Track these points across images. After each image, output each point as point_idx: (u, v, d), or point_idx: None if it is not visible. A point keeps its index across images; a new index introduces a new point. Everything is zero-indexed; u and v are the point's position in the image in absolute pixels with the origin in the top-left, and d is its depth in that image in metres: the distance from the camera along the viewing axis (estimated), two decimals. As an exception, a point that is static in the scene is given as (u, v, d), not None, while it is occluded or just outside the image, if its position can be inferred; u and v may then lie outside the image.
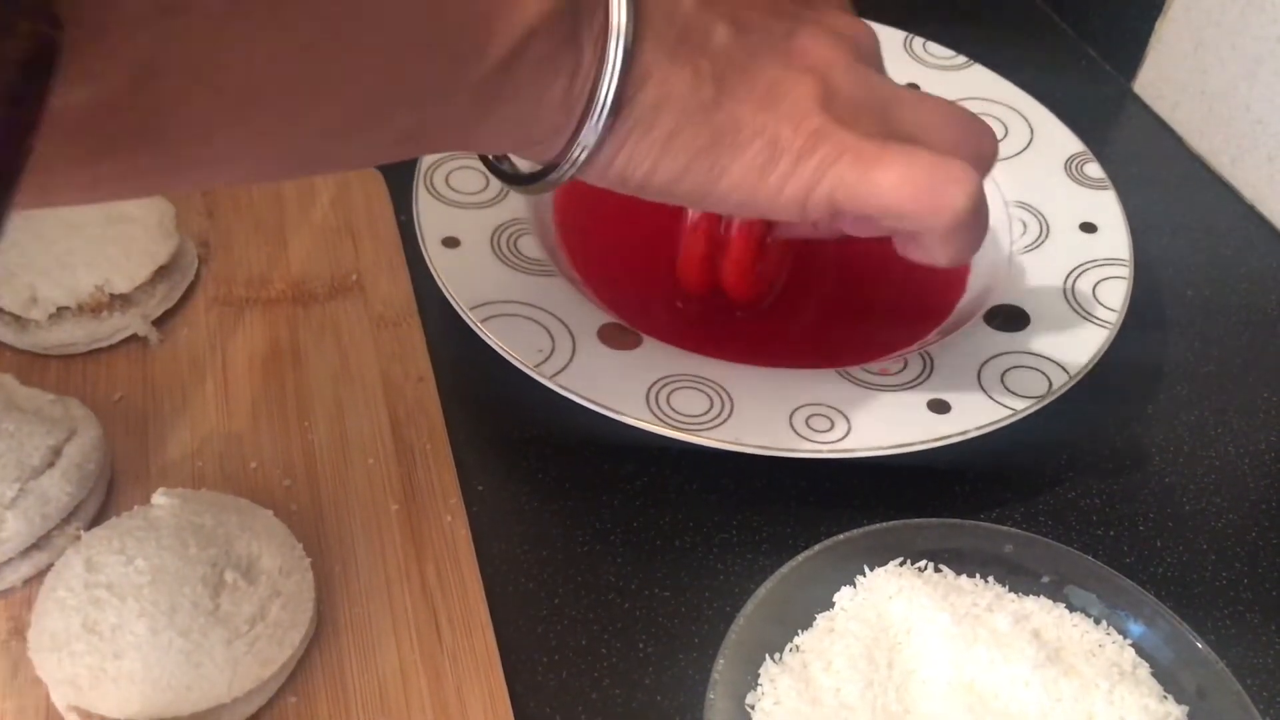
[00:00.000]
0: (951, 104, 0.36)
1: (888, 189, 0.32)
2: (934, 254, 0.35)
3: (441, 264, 0.45)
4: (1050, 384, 0.42)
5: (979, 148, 0.35)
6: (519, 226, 0.48)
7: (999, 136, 0.52)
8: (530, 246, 0.47)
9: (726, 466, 0.43)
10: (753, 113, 0.31)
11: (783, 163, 0.32)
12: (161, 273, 0.46)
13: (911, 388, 0.43)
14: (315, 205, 0.52)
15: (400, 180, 0.51)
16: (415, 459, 0.43)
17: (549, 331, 0.43)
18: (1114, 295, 0.46)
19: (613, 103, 0.30)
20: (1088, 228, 0.49)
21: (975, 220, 0.33)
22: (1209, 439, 0.47)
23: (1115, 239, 0.49)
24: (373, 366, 0.46)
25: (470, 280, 0.45)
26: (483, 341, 0.42)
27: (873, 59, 0.35)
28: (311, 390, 0.45)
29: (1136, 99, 0.65)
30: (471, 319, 0.43)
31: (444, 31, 0.26)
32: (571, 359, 0.42)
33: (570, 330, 0.43)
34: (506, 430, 0.45)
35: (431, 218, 0.47)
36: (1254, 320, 0.53)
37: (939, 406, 0.42)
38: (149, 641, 0.33)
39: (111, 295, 0.45)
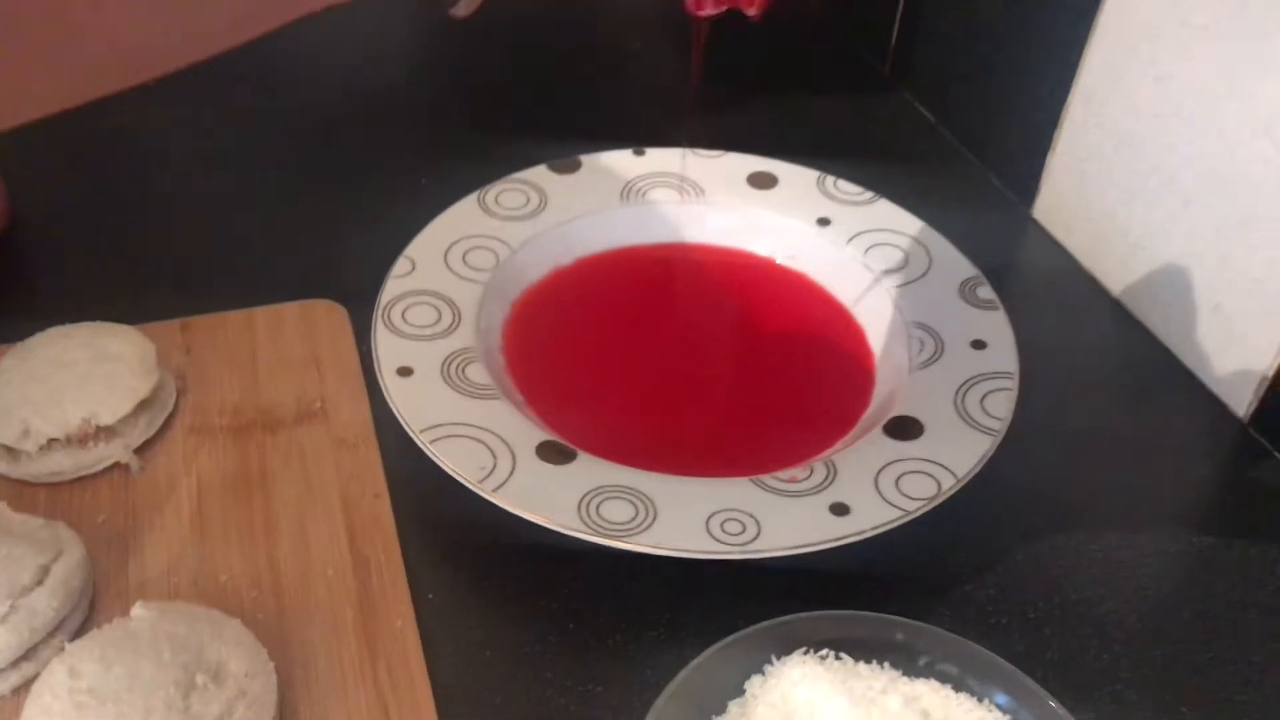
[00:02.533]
0: None
1: None
2: None
3: (396, 392, 0.50)
4: (940, 487, 0.47)
5: None
6: (468, 355, 0.53)
7: (900, 265, 0.58)
8: (477, 373, 0.53)
9: (653, 568, 0.48)
10: None
11: None
12: (143, 405, 0.51)
13: (816, 493, 0.48)
14: (283, 337, 0.58)
15: (363, 314, 0.56)
16: (370, 569, 0.47)
17: (491, 450, 0.48)
18: (1000, 406, 0.51)
19: None
20: (978, 344, 0.55)
21: None
22: (1094, 534, 0.52)
23: (1003, 355, 0.54)
24: (333, 485, 0.50)
25: (422, 405, 0.50)
26: (433, 460, 0.47)
27: None
28: (277, 509, 0.49)
29: (1036, 224, 0.71)
30: (421, 441, 0.48)
31: None
32: (511, 475, 0.47)
33: (511, 449, 0.48)
34: (455, 541, 0.50)
35: (388, 350, 0.52)
36: (1136, 433, 0.58)
37: (840, 509, 0.47)
38: (122, 738, 0.37)
39: (97, 427, 0.50)
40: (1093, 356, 0.62)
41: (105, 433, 0.50)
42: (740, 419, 0.55)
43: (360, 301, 0.57)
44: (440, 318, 0.55)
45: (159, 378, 0.52)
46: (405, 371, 0.52)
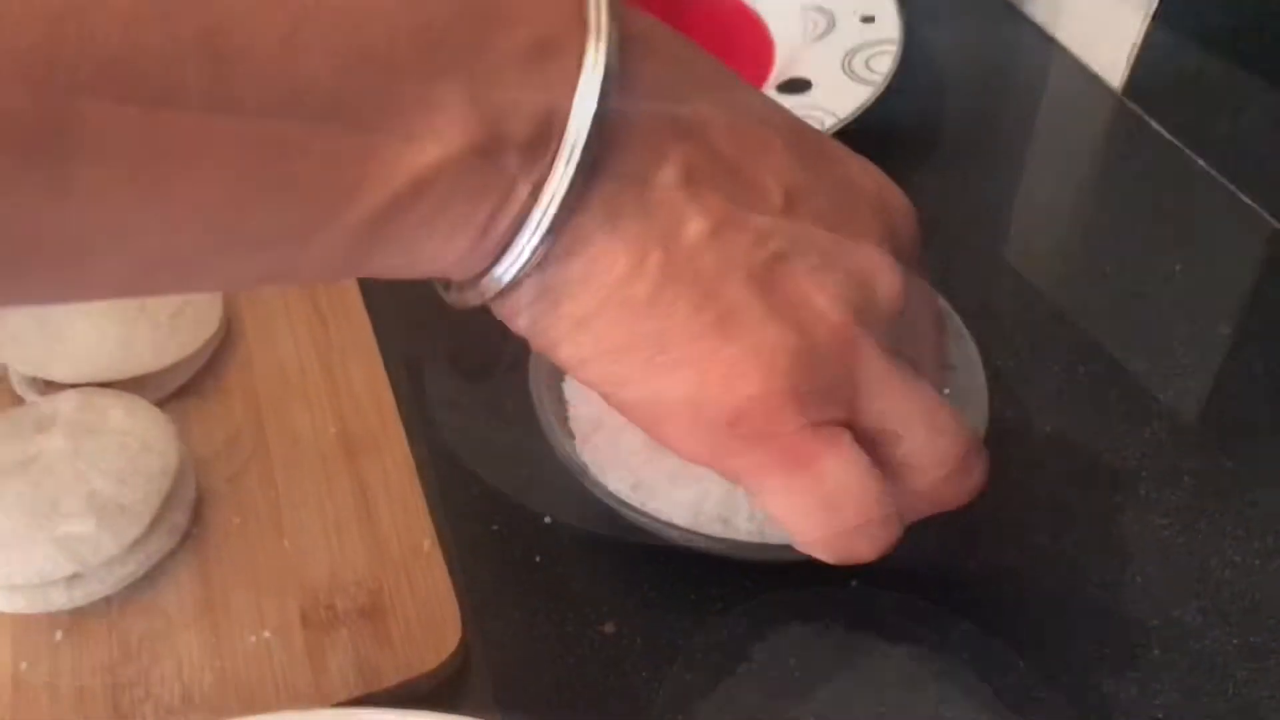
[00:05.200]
0: (950, 411, 0.29)
1: (799, 504, 0.27)
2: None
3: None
4: (823, 126, 0.52)
5: (953, 485, 0.30)
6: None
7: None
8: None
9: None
10: (688, 338, 0.25)
11: (703, 413, 0.26)
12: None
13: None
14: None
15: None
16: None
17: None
18: (883, 64, 0.56)
19: (525, 261, 0.24)
20: (867, 19, 0.59)
21: (870, 559, 0.29)
22: (975, 185, 0.57)
23: (889, 26, 0.58)
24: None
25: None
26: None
27: (879, 317, 0.27)
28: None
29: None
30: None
31: (293, 175, 0.21)
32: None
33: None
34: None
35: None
36: (1016, 109, 0.63)
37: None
38: (89, 329, 0.42)
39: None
40: (978, 45, 0.67)
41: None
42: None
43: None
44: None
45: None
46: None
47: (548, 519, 0.41)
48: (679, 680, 0.37)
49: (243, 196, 0.21)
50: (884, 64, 0.56)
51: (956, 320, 0.43)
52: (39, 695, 0.36)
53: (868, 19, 0.59)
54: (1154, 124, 0.60)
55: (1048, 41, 0.66)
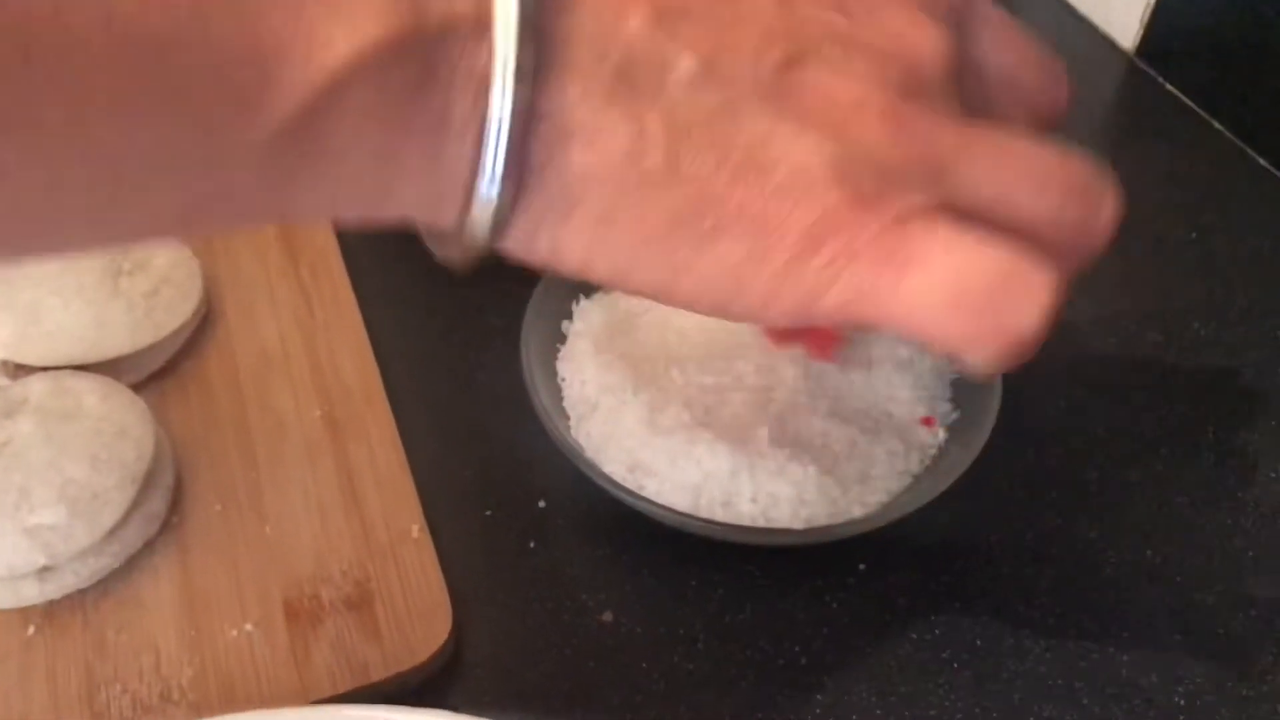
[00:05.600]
0: (1052, 151, 0.24)
1: (923, 307, 0.22)
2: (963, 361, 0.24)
3: None
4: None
5: (1084, 225, 0.24)
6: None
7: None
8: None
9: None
10: (725, 188, 0.22)
11: (771, 262, 0.22)
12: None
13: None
14: None
15: None
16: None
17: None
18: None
19: (504, 173, 0.21)
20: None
21: (1038, 343, 0.23)
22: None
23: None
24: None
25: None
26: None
27: (931, 83, 0.23)
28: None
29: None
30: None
31: (179, 86, 0.18)
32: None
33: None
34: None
35: None
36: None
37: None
38: (61, 309, 0.40)
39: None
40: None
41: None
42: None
43: None
44: None
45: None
46: None
47: (542, 503, 0.40)
48: (680, 671, 0.36)
49: (121, 119, 0.18)
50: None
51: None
52: (10, 693, 0.34)
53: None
54: (1168, 86, 0.58)
55: (1057, 1, 0.63)
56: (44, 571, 0.35)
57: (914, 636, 0.37)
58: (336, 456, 0.40)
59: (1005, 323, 0.22)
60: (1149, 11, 0.58)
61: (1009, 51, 0.26)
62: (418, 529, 0.38)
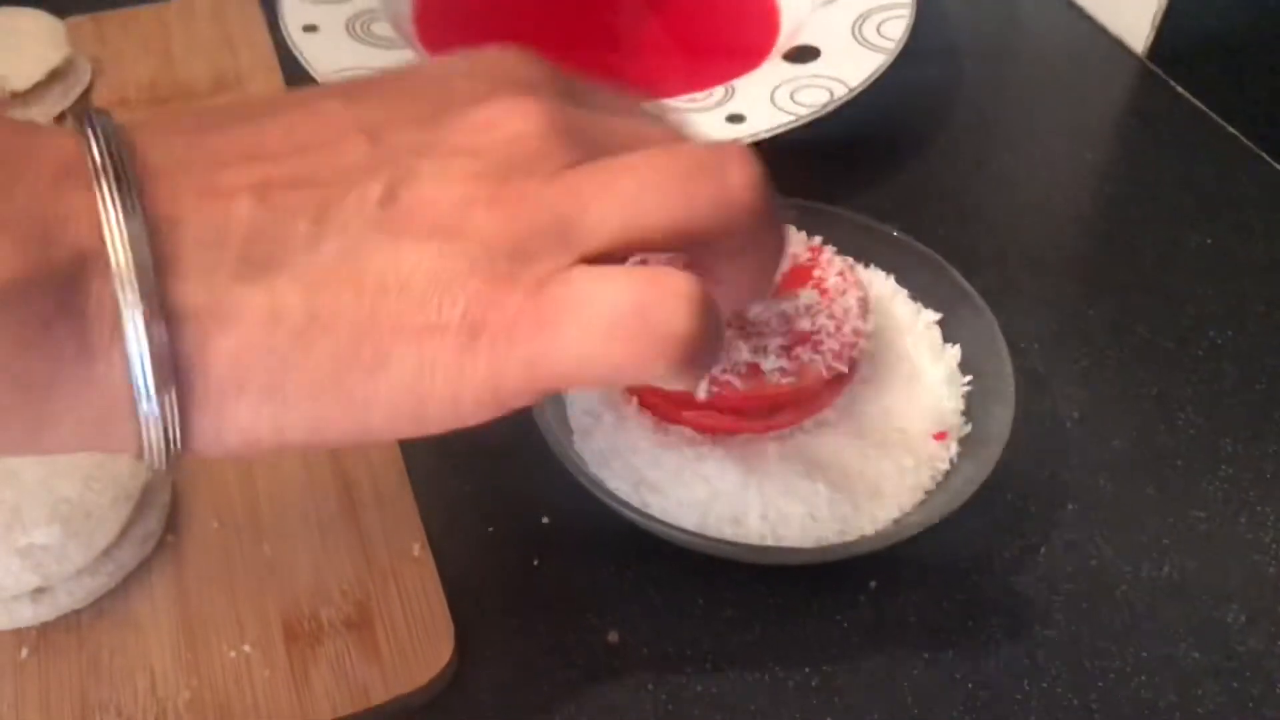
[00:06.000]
0: (658, 151, 0.25)
1: (587, 352, 0.23)
2: (668, 385, 0.25)
3: (302, 45, 0.51)
4: (832, 96, 0.49)
5: (719, 198, 0.24)
6: (372, 15, 0.54)
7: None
8: (382, 29, 0.53)
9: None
10: (370, 317, 0.23)
11: (441, 365, 0.23)
12: (56, 77, 0.52)
13: (714, 109, 0.49)
14: (196, 25, 0.58)
15: (274, 7, 0.56)
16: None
17: (398, 88, 0.50)
18: (895, 29, 0.53)
19: (158, 385, 0.22)
20: (878, -18, 0.56)
21: (706, 340, 0.23)
22: (991, 152, 0.54)
23: (901, -12, 0.55)
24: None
25: (329, 55, 0.51)
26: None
27: (531, 154, 0.24)
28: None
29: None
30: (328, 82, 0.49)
31: None
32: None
33: (417, 86, 0.50)
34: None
35: (293, 11, 0.53)
36: (1035, 73, 0.60)
37: (736, 119, 0.48)
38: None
39: (12, 93, 0.51)
40: (992, 8, 0.64)
41: (20, 100, 0.51)
42: (650, 46, 0.56)
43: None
44: (346, -15, 0.56)
45: (69, 53, 0.53)
46: (310, 29, 0.52)
47: (545, 519, 0.39)
48: (688, 692, 0.35)
49: None
50: (896, 29, 0.53)
51: (977, 299, 0.40)
52: (4, 717, 0.33)
53: (878, -18, 0.56)
54: (1180, 89, 0.57)
55: (1066, 4, 0.63)
56: (37, 593, 0.34)
57: (926, 656, 0.36)
58: (335, 473, 0.39)
59: (660, 332, 0.23)
60: (1160, 14, 0.57)
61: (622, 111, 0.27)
62: (419, 547, 0.37)
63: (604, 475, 0.36)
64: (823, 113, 0.48)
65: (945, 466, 0.37)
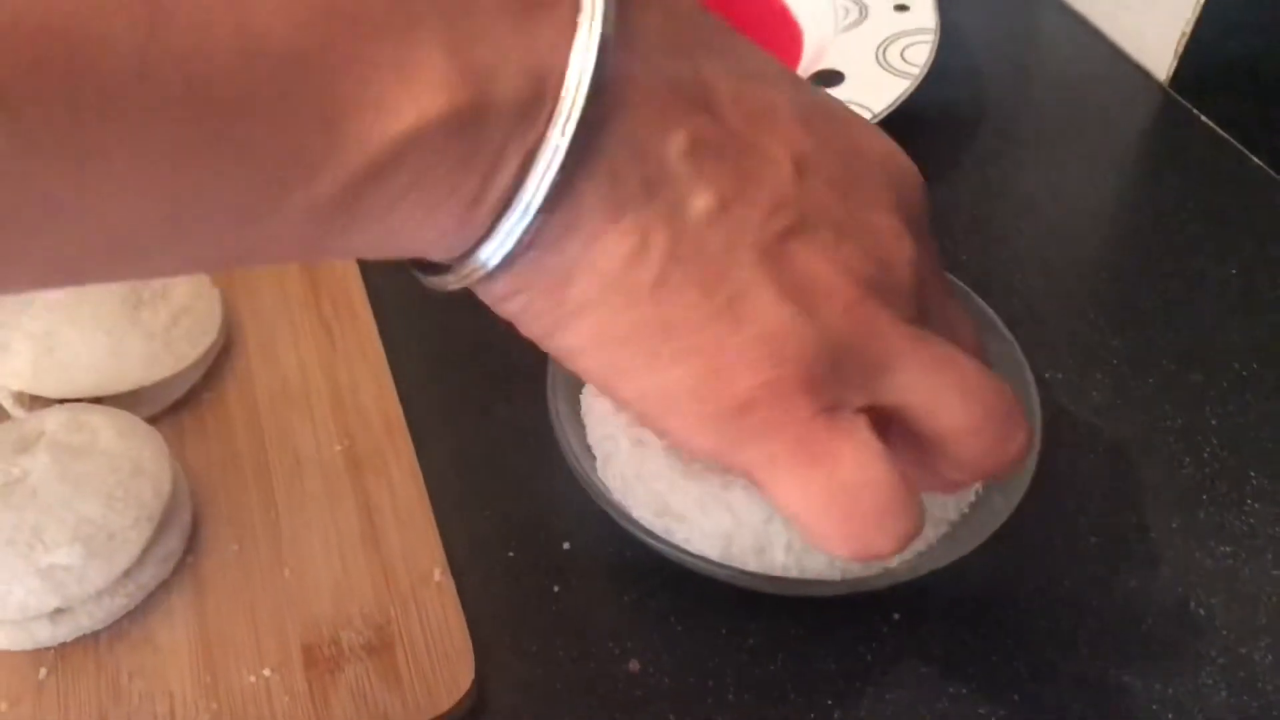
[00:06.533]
0: (985, 375, 0.26)
1: (806, 507, 0.24)
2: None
3: None
4: (857, 121, 0.49)
5: (995, 448, 0.26)
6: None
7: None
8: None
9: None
10: (695, 326, 0.23)
11: (707, 404, 0.23)
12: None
13: (737, 132, 0.49)
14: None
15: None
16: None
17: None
18: (919, 55, 0.53)
19: (513, 246, 0.22)
20: (901, 8, 0.56)
21: (908, 540, 0.25)
22: (1016, 177, 0.54)
23: (924, 14, 0.55)
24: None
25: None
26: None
27: (897, 287, 0.25)
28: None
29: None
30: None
31: (247, 147, 0.19)
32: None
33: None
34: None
35: None
36: (1058, 99, 0.60)
37: (760, 143, 0.48)
38: (78, 339, 0.40)
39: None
40: (1014, 32, 0.63)
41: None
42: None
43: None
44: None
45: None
46: None
47: (566, 545, 0.39)
48: (709, 724, 0.35)
49: (189, 171, 0.18)
50: (920, 55, 0.53)
51: (1001, 328, 0.40)
52: (22, 739, 0.33)
53: (901, 7, 0.56)
54: (1203, 118, 0.57)
55: (1090, 32, 0.62)
56: (57, 613, 0.34)
57: (950, 690, 0.36)
58: (357, 495, 0.39)
59: (870, 540, 0.24)
60: (1183, 42, 0.57)
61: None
62: (439, 572, 0.37)
63: (627, 503, 0.36)
64: (847, 138, 0.48)
65: (970, 499, 0.37)
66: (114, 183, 0.18)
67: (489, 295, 0.24)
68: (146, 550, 0.35)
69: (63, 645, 0.35)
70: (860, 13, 0.56)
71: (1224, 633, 0.37)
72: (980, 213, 0.52)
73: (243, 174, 0.19)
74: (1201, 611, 0.38)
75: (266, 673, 0.34)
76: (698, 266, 0.23)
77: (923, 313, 0.26)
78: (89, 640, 0.35)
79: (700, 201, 0.22)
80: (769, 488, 0.24)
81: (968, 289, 0.41)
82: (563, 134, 0.21)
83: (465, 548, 0.38)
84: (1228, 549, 0.39)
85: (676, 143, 0.22)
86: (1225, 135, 0.56)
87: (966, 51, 0.60)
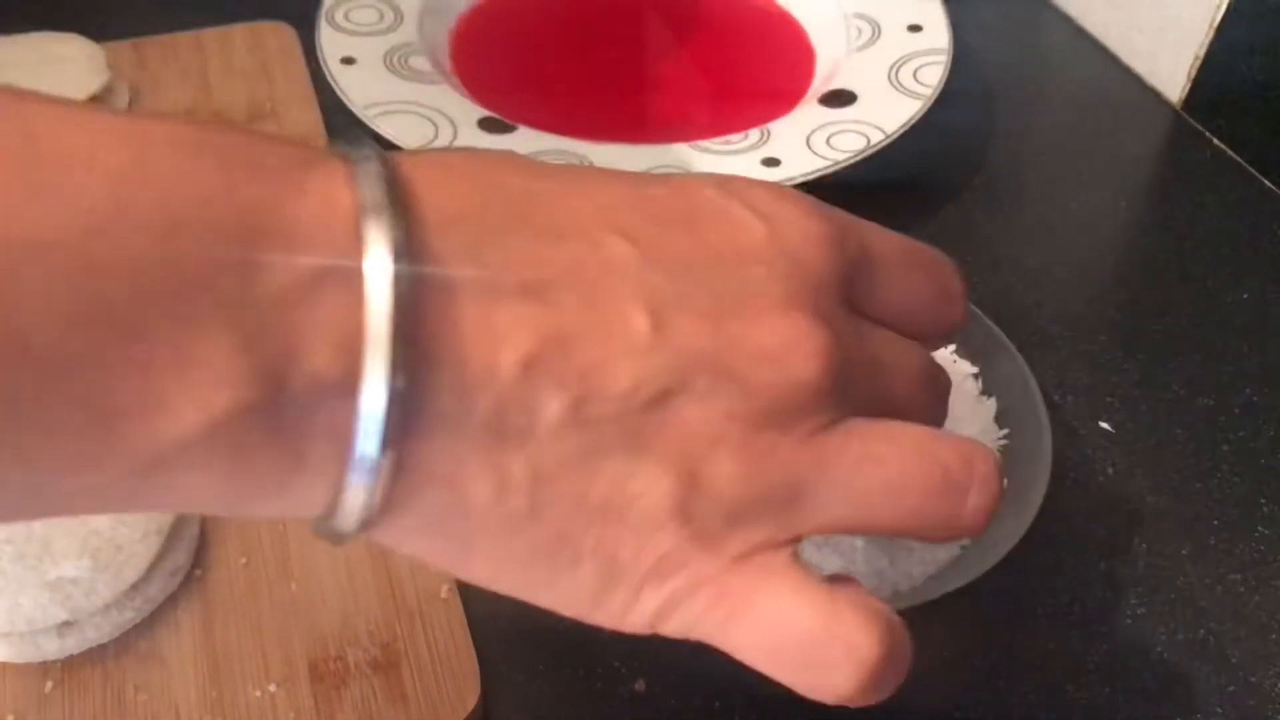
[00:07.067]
0: (918, 451, 0.24)
1: (748, 651, 0.23)
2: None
3: (340, 76, 0.51)
4: (868, 142, 0.49)
5: (948, 523, 0.24)
6: (410, 49, 0.54)
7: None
8: (420, 63, 0.54)
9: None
10: (582, 527, 0.22)
11: (621, 589, 0.23)
12: (95, 101, 0.53)
13: (749, 151, 0.49)
14: (233, 54, 0.59)
15: (311, 38, 0.57)
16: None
17: (434, 124, 0.50)
18: (932, 75, 0.53)
19: (362, 514, 0.21)
20: (914, 28, 0.56)
21: (870, 694, 0.23)
22: (1025, 200, 0.54)
23: (938, 35, 0.55)
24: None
25: (366, 87, 0.51)
26: (377, 136, 0.49)
27: (798, 405, 0.23)
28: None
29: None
30: (365, 116, 0.49)
31: (17, 443, 0.18)
32: (453, 142, 0.49)
33: (453, 122, 0.50)
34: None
35: (331, 42, 0.54)
36: (1069, 122, 0.60)
37: (771, 163, 0.48)
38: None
39: (50, 119, 0.51)
40: (1026, 53, 0.63)
41: (59, 125, 0.51)
42: (678, 100, 0.56)
43: (308, 25, 0.57)
44: (383, 18, 0.56)
45: (109, 78, 0.53)
46: (348, 61, 0.53)
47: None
48: (715, 746, 0.34)
49: None
50: (933, 75, 0.53)
51: (1011, 349, 0.40)
52: (27, 752, 0.33)
53: (915, 27, 0.56)
54: (1216, 141, 0.57)
55: (1103, 53, 0.62)
56: (64, 626, 0.34)
57: (958, 715, 0.35)
58: (365, 511, 0.38)
59: (821, 681, 0.23)
60: (1196, 65, 0.57)
61: (903, 294, 0.26)
62: (446, 588, 0.37)
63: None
64: (859, 158, 0.48)
65: (980, 522, 0.37)
66: None
67: (380, 539, 0.22)
68: (154, 564, 0.35)
69: (69, 658, 0.35)
70: (873, 32, 0.56)
71: (1234, 660, 0.37)
72: (991, 234, 0.52)
73: (17, 472, 0.18)
74: (1211, 639, 0.37)
75: (272, 688, 0.34)
76: (567, 476, 0.22)
77: (846, 396, 0.24)
78: (95, 654, 0.35)
79: (549, 413, 0.21)
80: (715, 644, 0.24)
81: (976, 310, 0.41)
82: (375, 408, 0.19)
83: (472, 565, 0.38)
84: (1238, 576, 0.39)
85: (508, 362, 0.20)
86: (1238, 158, 0.56)
87: (979, 72, 0.60)
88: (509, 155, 0.24)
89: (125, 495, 0.20)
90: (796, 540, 0.23)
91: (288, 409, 0.19)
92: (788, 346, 0.23)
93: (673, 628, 0.23)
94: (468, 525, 0.22)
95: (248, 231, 0.19)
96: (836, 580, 0.24)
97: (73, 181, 0.18)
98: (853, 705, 0.23)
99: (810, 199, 0.25)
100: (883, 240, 0.26)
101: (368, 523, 0.21)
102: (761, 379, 0.22)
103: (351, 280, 0.19)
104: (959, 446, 0.25)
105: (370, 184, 0.20)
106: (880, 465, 0.23)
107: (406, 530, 0.22)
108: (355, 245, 0.19)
